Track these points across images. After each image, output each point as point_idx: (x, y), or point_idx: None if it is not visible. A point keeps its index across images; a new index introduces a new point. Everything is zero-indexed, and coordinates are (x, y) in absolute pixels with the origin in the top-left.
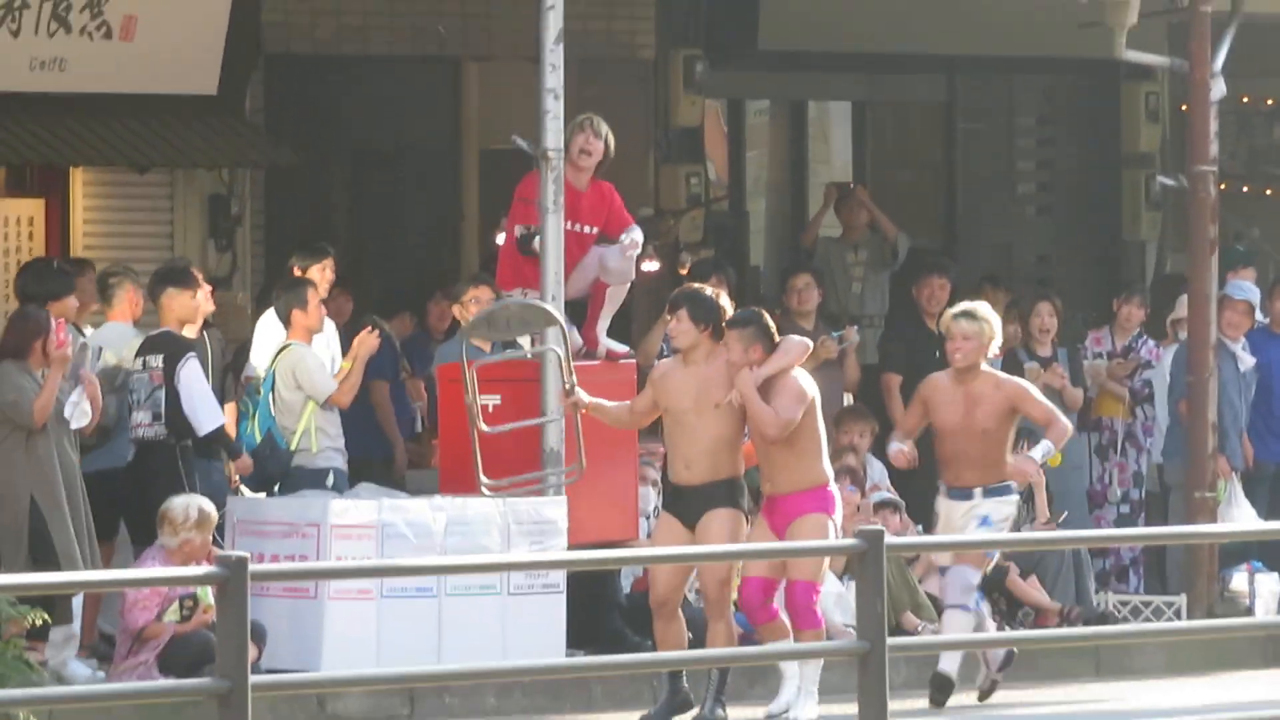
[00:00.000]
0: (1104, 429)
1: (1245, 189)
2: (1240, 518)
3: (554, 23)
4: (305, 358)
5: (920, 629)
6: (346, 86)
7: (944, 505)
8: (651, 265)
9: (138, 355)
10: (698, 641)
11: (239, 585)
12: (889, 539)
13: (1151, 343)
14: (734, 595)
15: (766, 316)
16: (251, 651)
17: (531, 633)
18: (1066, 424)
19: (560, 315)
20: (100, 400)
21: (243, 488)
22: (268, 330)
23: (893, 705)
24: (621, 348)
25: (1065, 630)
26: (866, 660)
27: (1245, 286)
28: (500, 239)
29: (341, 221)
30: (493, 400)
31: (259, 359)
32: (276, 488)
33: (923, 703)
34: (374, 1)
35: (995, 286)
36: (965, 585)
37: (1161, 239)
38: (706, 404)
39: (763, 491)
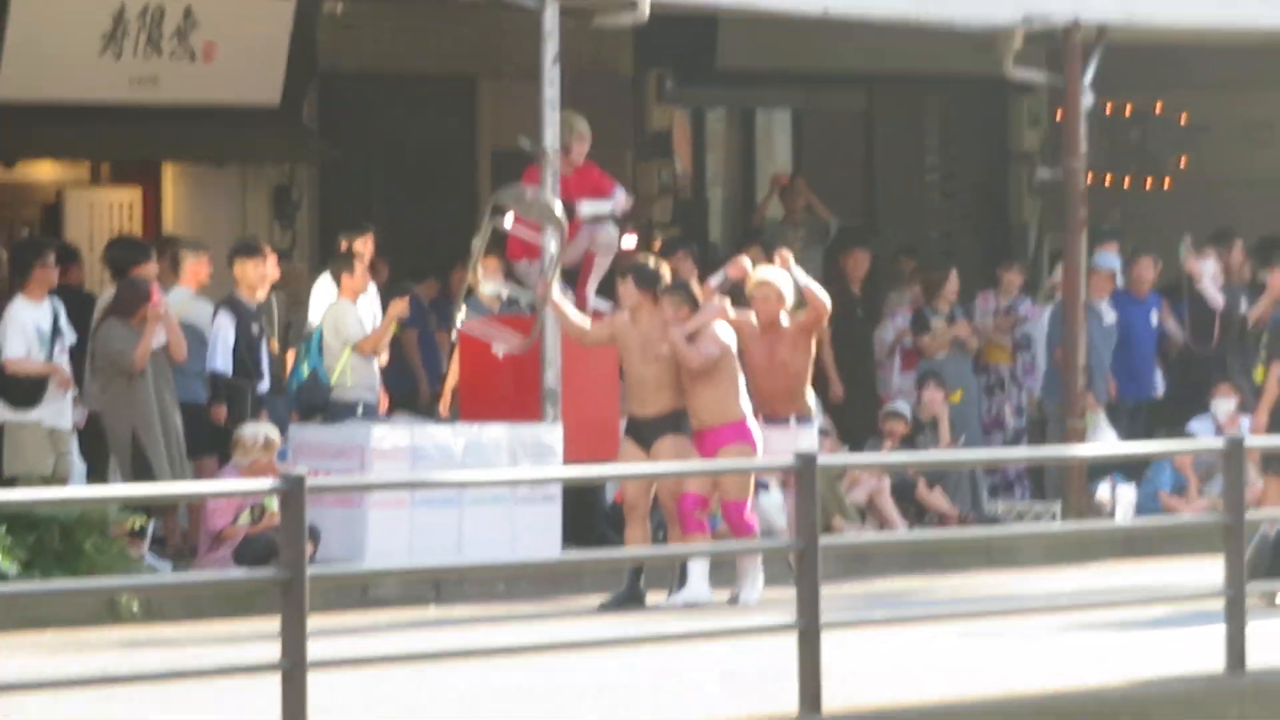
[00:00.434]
0: (991, 372)
1: (1108, 181)
2: (1104, 441)
3: (551, 48)
4: (345, 313)
5: (845, 530)
6: (384, 98)
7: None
8: (630, 240)
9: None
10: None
11: (298, 496)
12: (821, 459)
13: (1029, 301)
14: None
15: (693, 285)
16: (308, 548)
17: (534, 534)
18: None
19: (564, 223)
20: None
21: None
22: (322, 292)
23: (824, 591)
24: (606, 305)
25: (963, 531)
26: (802, 556)
27: (1108, 258)
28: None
29: (380, 207)
30: (503, 348)
31: (315, 315)
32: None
33: (847, 588)
34: (407, 29)
35: (909, 256)
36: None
37: (1042, 221)
38: (650, 354)
39: (692, 426)
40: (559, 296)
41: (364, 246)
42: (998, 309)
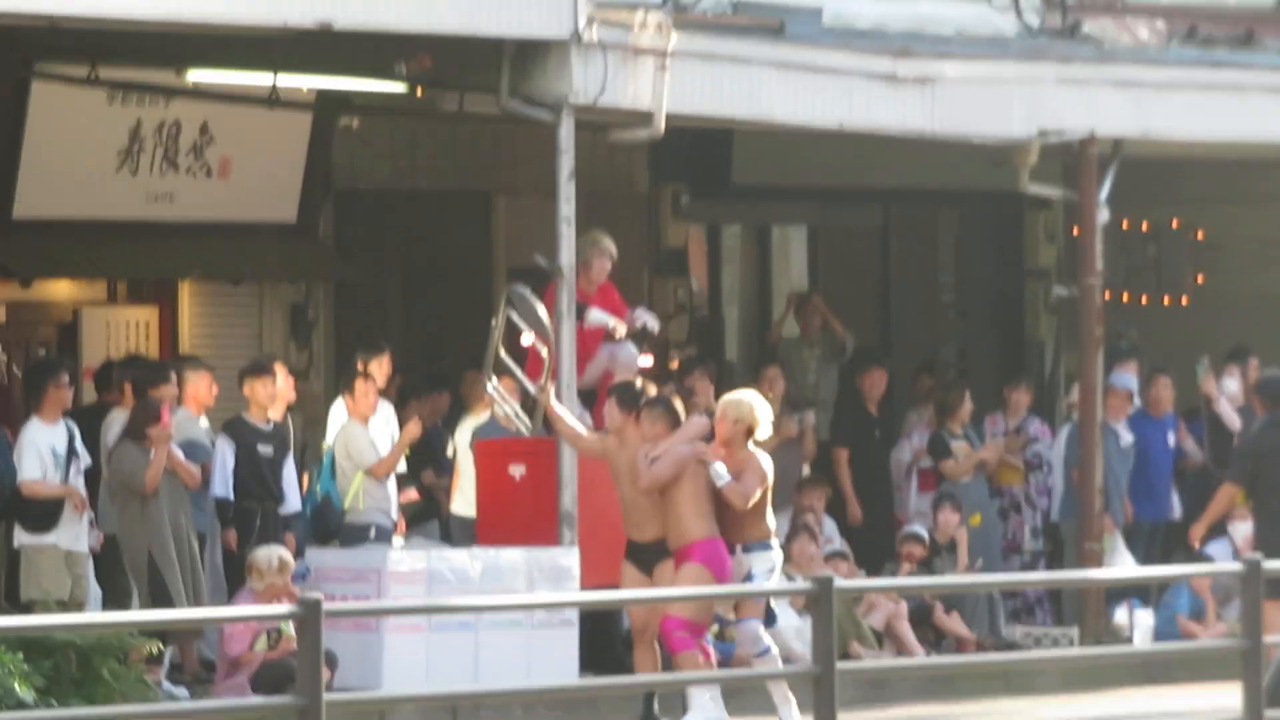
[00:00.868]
0: (1005, 494)
1: (1125, 297)
2: (1121, 564)
3: (566, 164)
4: (356, 436)
5: (863, 655)
6: (400, 215)
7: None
8: (646, 360)
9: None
10: None
11: (314, 621)
12: (838, 582)
13: (1037, 421)
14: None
15: (674, 401)
16: (325, 674)
17: (551, 659)
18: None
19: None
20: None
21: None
22: (338, 414)
23: (840, 717)
24: None
25: (981, 656)
26: (819, 681)
27: (1125, 378)
28: (529, 338)
29: (396, 324)
30: (519, 470)
31: (329, 437)
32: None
33: (865, 714)
34: (421, 146)
35: (928, 374)
36: (753, 636)
37: (1058, 338)
38: (637, 477)
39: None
40: (555, 403)
41: (379, 368)
42: (1007, 429)
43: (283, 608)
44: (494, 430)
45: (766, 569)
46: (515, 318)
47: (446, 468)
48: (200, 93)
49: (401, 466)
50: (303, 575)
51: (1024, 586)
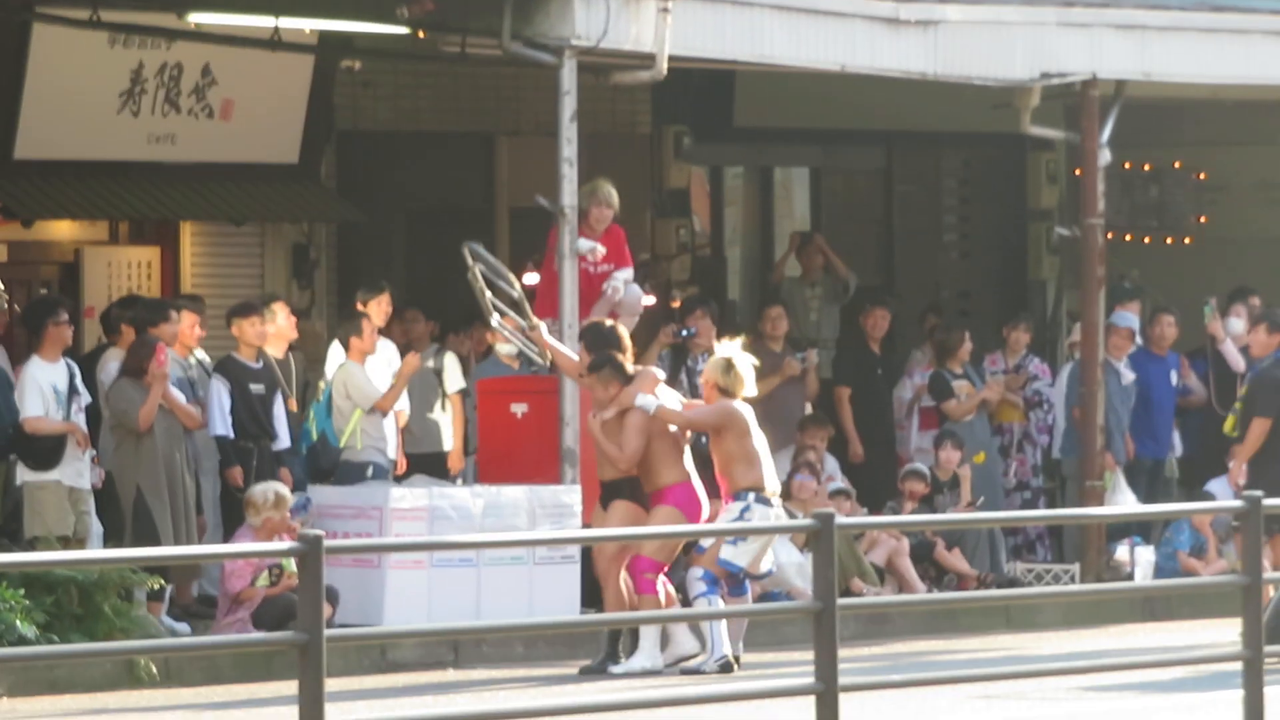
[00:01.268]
0: (1005, 432)
1: (1127, 238)
2: (1123, 502)
3: (569, 106)
4: (355, 374)
5: (864, 592)
6: (401, 156)
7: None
8: (648, 300)
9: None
10: None
11: (316, 558)
12: (839, 519)
13: (1037, 359)
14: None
15: (617, 358)
16: (326, 610)
17: (552, 595)
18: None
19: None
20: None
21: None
22: (337, 354)
23: (841, 653)
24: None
25: (982, 592)
26: (820, 617)
27: (1127, 317)
28: (532, 278)
29: (398, 266)
30: (521, 408)
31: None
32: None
33: (866, 650)
34: (423, 88)
35: (936, 314)
36: (692, 579)
37: (1060, 278)
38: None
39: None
40: (548, 337)
41: (378, 306)
42: (1006, 368)
43: (284, 544)
44: (495, 369)
45: (733, 517)
46: (483, 270)
47: None
48: (202, 35)
49: (404, 403)
50: (303, 507)
51: (1025, 524)
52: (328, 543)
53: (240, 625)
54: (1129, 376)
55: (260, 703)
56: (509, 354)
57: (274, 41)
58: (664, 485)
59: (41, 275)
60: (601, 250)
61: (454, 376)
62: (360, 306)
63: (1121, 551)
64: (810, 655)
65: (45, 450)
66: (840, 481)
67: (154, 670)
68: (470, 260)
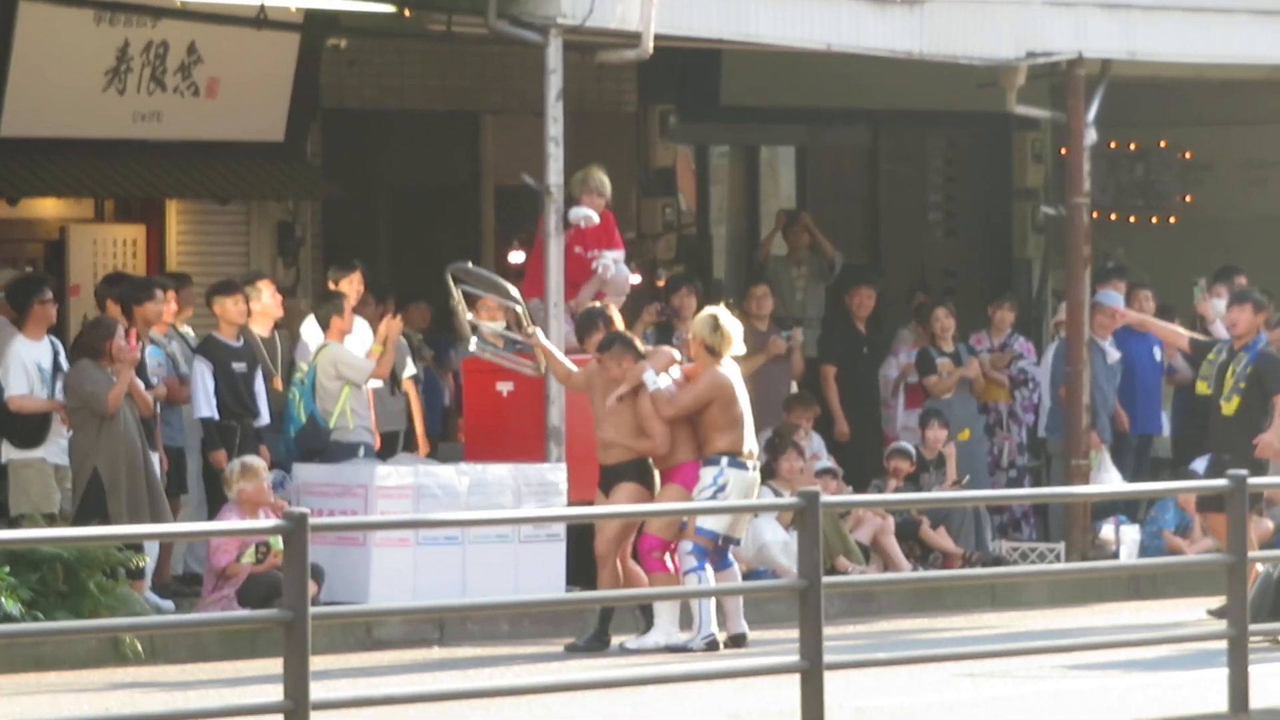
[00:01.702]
0: (990, 411)
1: (1113, 217)
2: (1108, 480)
3: (555, 84)
4: (342, 353)
5: (850, 570)
6: (387, 135)
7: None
8: (635, 279)
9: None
10: None
11: (301, 535)
12: (824, 498)
13: (1022, 338)
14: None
15: (627, 334)
16: (311, 588)
17: (537, 573)
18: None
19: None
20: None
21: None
22: (311, 333)
23: (826, 631)
24: None
25: (967, 571)
26: (806, 595)
27: (1112, 295)
28: (517, 257)
29: (384, 245)
30: (507, 387)
31: (302, 357)
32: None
33: (851, 628)
34: (409, 66)
35: (924, 292)
36: (683, 553)
37: (1045, 258)
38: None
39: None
40: (545, 340)
41: (351, 285)
42: (991, 347)
43: (270, 522)
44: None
45: (706, 484)
46: (469, 290)
47: None
48: (187, 13)
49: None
50: (280, 484)
51: (1011, 502)
52: (313, 521)
53: (225, 603)
54: (1114, 355)
55: (245, 680)
56: (494, 332)
57: (260, 20)
58: (674, 464)
59: (26, 253)
60: (595, 218)
61: (403, 363)
62: (333, 285)
63: (1107, 530)
64: (796, 633)
65: (30, 428)
66: (826, 460)
67: (139, 648)
68: (452, 285)
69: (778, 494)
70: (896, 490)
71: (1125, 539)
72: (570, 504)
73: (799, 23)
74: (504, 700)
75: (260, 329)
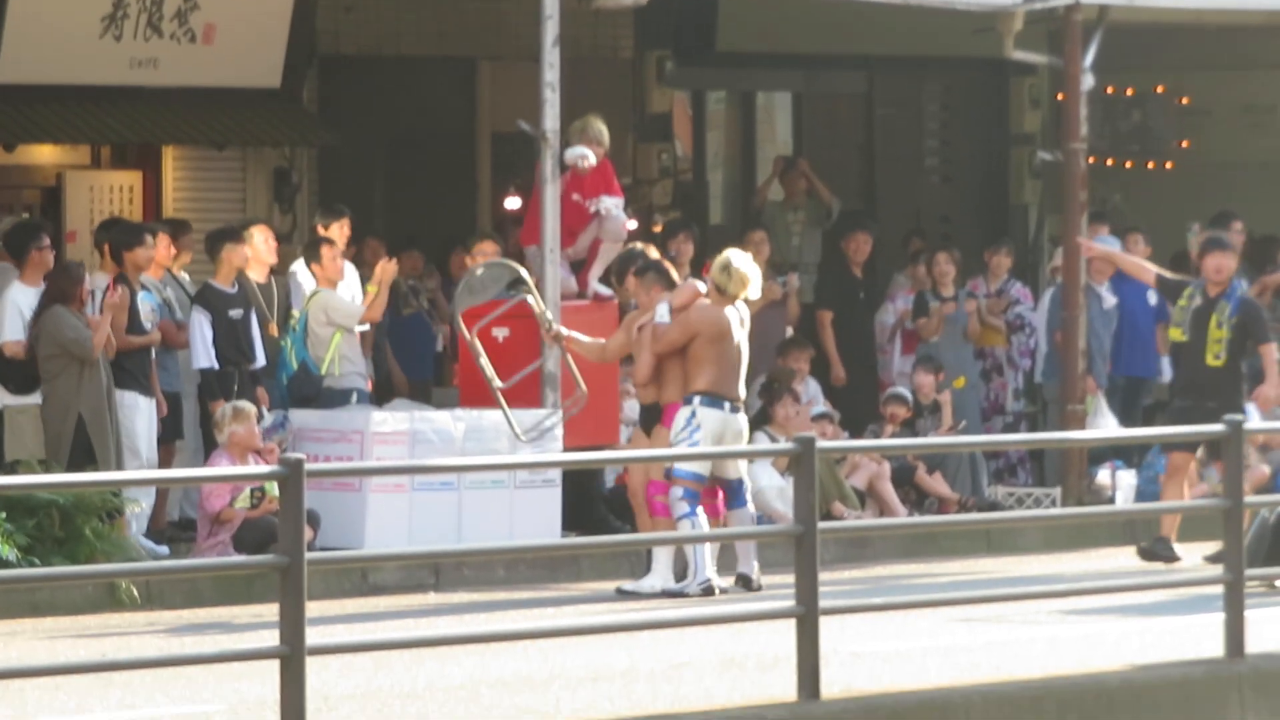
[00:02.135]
0: (987, 356)
1: (1110, 162)
2: (1104, 426)
3: (551, 30)
4: (331, 299)
5: (845, 515)
6: (383, 81)
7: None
8: (631, 224)
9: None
10: None
11: (297, 481)
12: (820, 443)
13: (1019, 284)
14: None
15: (664, 264)
16: (307, 534)
17: (533, 519)
18: None
19: (520, 268)
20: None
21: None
22: (304, 277)
23: (822, 576)
24: (607, 290)
25: (963, 516)
26: (802, 540)
27: (1108, 240)
28: (513, 203)
29: (379, 191)
30: (503, 332)
31: (297, 301)
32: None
33: (846, 573)
34: (406, 12)
35: (920, 238)
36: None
37: (1042, 203)
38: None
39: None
40: (568, 332)
41: (339, 232)
42: (988, 292)
43: (266, 468)
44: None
45: (680, 426)
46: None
47: None
48: None
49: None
50: (280, 426)
51: (1006, 447)
52: (309, 466)
53: (221, 548)
54: (1110, 300)
55: (241, 626)
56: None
57: None
58: (666, 403)
59: (23, 199)
60: (591, 156)
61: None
62: (322, 230)
63: (1103, 475)
64: (791, 578)
65: (26, 374)
66: (822, 405)
67: (135, 593)
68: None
69: (773, 439)
70: (892, 436)
71: (1121, 484)
72: (565, 450)
73: None
74: (499, 646)
75: (256, 275)
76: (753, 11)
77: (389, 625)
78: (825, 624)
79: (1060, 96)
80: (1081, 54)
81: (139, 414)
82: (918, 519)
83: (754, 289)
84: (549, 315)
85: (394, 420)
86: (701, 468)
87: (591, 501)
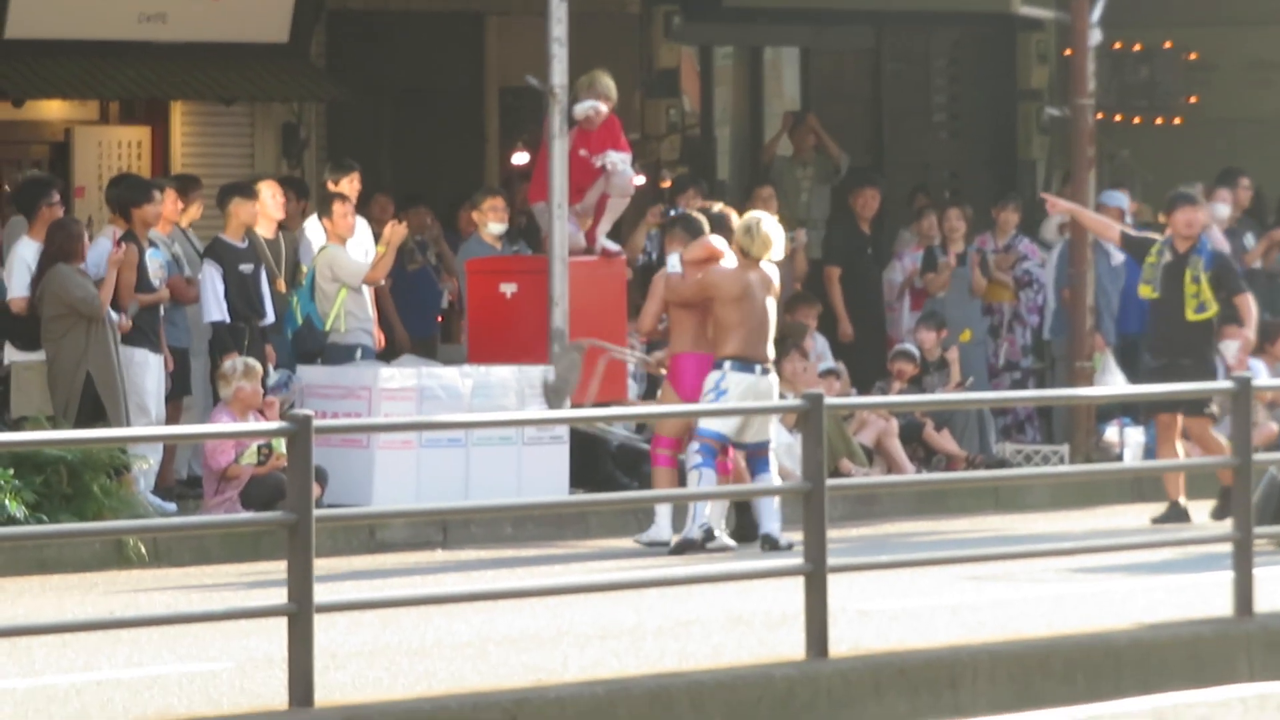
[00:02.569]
0: (995, 312)
1: (1117, 118)
2: (1112, 383)
3: None
4: (338, 255)
5: (853, 472)
6: (391, 35)
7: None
8: (638, 179)
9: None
10: None
11: (305, 437)
12: (828, 400)
13: (1027, 240)
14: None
15: (694, 217)
16: (315, 490)
17: (541, 475)
18: None
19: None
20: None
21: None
22: (314, 233)
23: (830, 533)
24: (614, 246)
25: (971, 473)
26: (810, 497)
27: (1116, 196)
28: (521, 158)
29: (386, 146)
30: (511, 288)
31: (306, 258)
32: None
33: (854, 531)
34: None
35: (925, 194)
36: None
37: (1049, 159)
38: None
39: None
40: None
41: (350, 186)
42: (996, 248)
43: (274, 425)
44: (480, 249)
45: (709, 388)
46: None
47: None
48: None
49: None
50: (285, 384)
51: (1014, 404)
52: (317, 423)
53: (229, 505)
54: (1118, 257)
55: (248, 583)
56: (496, 235)
57: None
58: (671, 355)
59: (31, 155)
60: (602, 108)
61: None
62: (332, 186)
63: (1110, 432)
64: (799, 536)
65: (32, 331)
66: (830, 361)
67: (143, 550)
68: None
69: (781, 396)
70: (900, 392)
71: (1129, 441)
72: (573, 405)
73: None
74: (507, 603)
75: (264, 230)
76: None
77: (396, 582)
78: (833, 581)
79: (1068, 52)
80: (1089, 9)
81: (148, 371)
82: (926, 476)
83: (777, 250)
84: (637, 355)
85: (401, 376)
86: (724, 428)
87: (599, 458)
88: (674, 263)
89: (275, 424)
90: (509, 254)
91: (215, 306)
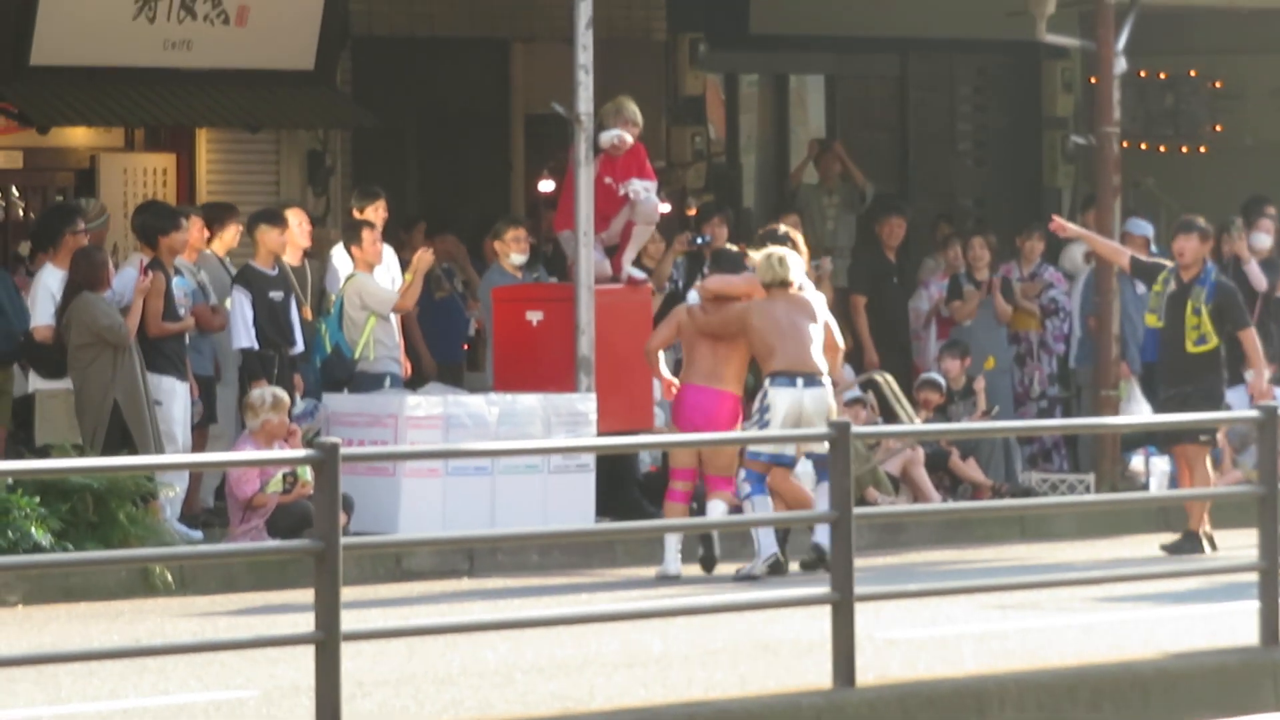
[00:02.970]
0: (1021, 340)
1: (1143, 146)
2: (1138, 411)
3: (585, 11)
4: (367, 283)
5: (879, 501)
6: (416, 62)
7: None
8: (664, 207)
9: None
10: None
11: (332, 465)
12: (855, 428)
13: (1052, 268)
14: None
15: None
16: (342, 518)
17: (567, 504)
18: None
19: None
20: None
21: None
22: (340, 262)
23: (856, 562)
24: (641, 274)
25: (997, 502)
26: (836, 526)
27: (1142, 225)
28: (546, 185)
29: (412, 173)
30: (537, 316)
31: (333, 285)
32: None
33: (881, 559)
34: None
35: (948, 223)
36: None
37: (1075, 187)
38: None
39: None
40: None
41: (375, 214)
42: (1021, 277)
43: (302, 453)
44: (502, 279)
45: (754, 410)
46: None
47: None
48: None
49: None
50: (310, 413)
51: (1040, 433)
52: (344, 450)
53: (255, 533)
54: (1144, 286)
55: (275, 610)
56: (517, 265)
57: None
58: (682, 383)
59: (57, 182)
60: (628, 138)
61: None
62: (358, 214)
63: (1136, 461)
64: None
65: (57, 359)
66: (857, 390)
67: (169, 578)
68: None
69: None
70: (926, 421)
71: (1155, 470)
72: (600, 435)
73: None
74: (533, 631)
75: (290, 258)
76: None
77: (423, 610)
78: (860, 610)
79: (1093, 80)
80: (1114, 37)
81: (175, 399)
82: (952, 505)
83: (794, 273)
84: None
85: (428, 404)
86: (771, 449)
87: (625, 486)
88: (692, 297)
89: (303, 451)
90: (529, 281)
91: (244, 333)
